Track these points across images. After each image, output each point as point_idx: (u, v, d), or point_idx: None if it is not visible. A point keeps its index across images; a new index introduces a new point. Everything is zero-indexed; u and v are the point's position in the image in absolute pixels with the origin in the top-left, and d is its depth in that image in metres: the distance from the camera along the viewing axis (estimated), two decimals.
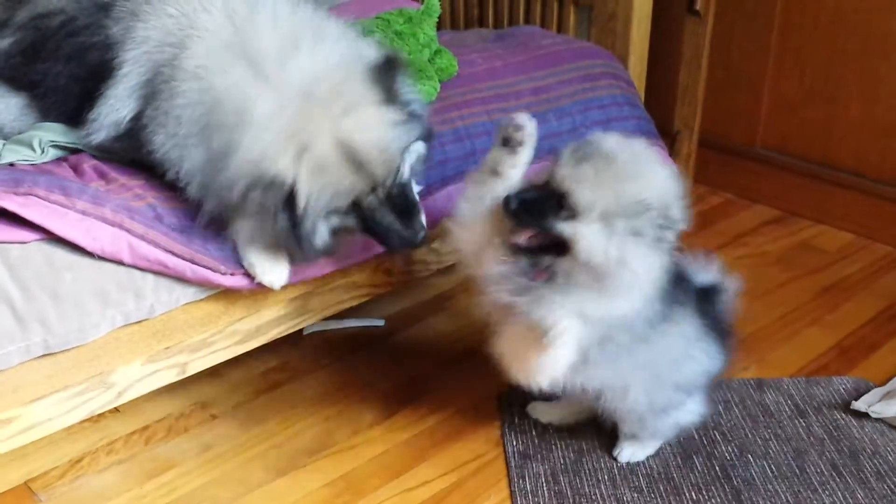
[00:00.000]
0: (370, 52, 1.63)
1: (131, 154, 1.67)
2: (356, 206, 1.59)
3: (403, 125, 1.59)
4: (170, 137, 1.57)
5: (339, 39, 1.62)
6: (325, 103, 1.52)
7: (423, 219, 1.66)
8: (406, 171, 1.63)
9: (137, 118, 1.64)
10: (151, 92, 1.62)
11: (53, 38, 1.76)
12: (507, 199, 1.47)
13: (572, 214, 1.45)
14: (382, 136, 1.56)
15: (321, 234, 1.58)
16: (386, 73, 1.57)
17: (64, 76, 1.74)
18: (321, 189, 1.52)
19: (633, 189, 1.46)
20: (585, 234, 1.44)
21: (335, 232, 1.62)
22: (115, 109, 1.65)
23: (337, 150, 1.52)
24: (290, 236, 1.55)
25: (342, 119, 1.53)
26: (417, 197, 1.68)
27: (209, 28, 1.60)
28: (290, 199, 1.51)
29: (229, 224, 1.63)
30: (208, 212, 1.58)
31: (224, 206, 1.55)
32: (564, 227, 1.45)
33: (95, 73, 1.70)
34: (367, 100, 1.55)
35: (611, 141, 1.50)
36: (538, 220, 1.46)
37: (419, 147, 1.67)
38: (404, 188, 1.63)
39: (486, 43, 2.33)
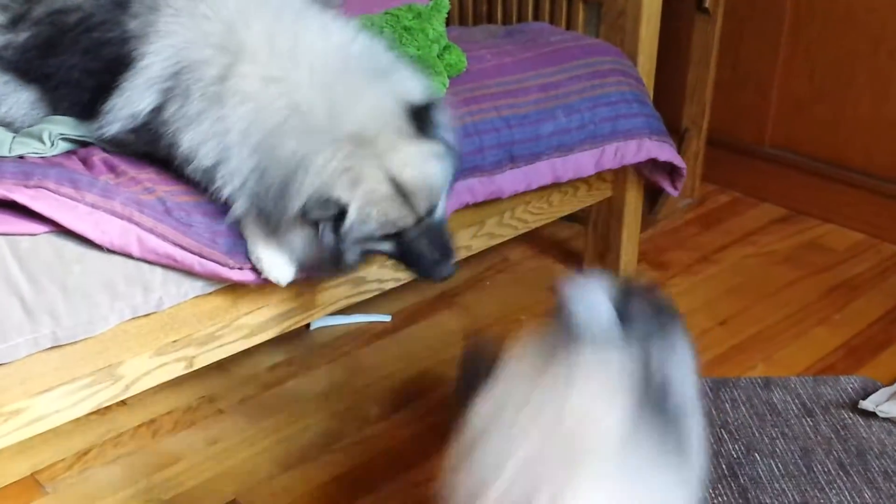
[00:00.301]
0: (415, 89, 1.69)
1: (145, 147, 1.67)
2: (397, 236, 1.66)
3: (444, 161, 1.67)
4: (207, 138, 1.58)
5: (387, 76, 1.68)
6: (373, 142, 1.58)
7: (454, 261, 1.74)
8: (443, 206, 1.72)
9: (157, 112, 1.63)
10: (176, 87, 1.61)
11: (70, 34, 1.76)
12: None
13: None
14: (427, 171, 1.64)
15: (354, 255, 1.66)
16: (428, 112, 1.63)
17: (78, 69, 1.74)
18: (369, 217, 1.60)
19: None
20: None
21: (366, 254, 1.70)
22: (131, 101, 1.64)
23: (386, 184, 1.59)
24: (327, 252, 1.63)
25: (390, 155, 1.59)
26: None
27: (255, 51, 1.61)
28: (339, 219, 1.59)
29: (242, 220, 1.64)
30: (242, 210, 1.62)
31: (270, 212, 1.60)
32: None
33: (111, 67, 1.69)
34: (412, 137, 1.62)
35: None
36: None
37: (452, 179, 1.75)
38: (443, 223, 1.73)
39: (495, 39, 2.33)
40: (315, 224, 1.60)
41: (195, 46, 1.63)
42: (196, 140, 1.59)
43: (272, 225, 1.62)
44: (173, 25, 1.65)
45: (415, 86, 1.71)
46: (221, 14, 1.65)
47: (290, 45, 1.63)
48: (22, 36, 1.80)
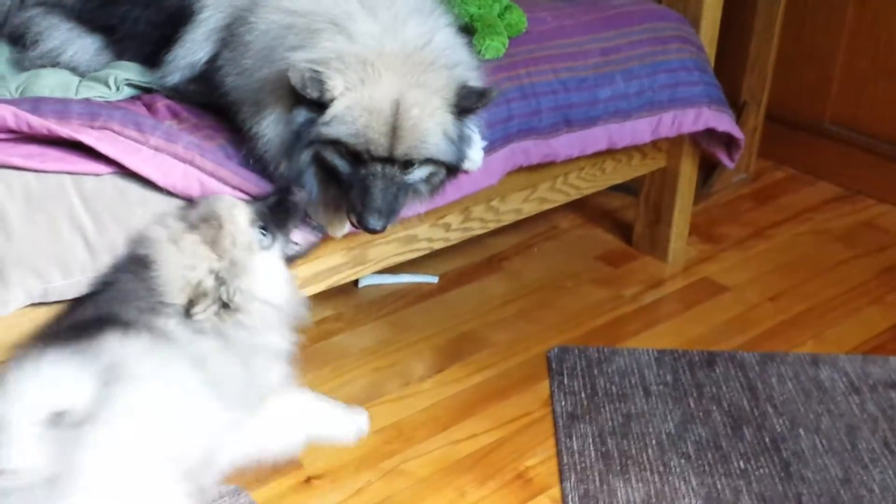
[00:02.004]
0: (476, 79, 1.67)
1: (204, 97, 1.69)
2: (357, 159, 1.57)
3: (451, 145, 1.62)
4: (239, 74, 1.60)
5: (456, 43, 1.67)
6: (412, 70, 1.55)
7: (388, 225, 1.62)
8: (416, 178, 1.64)
9: (212, 61, 1.66)
10: (229, 36, 1.65)
11: None
12: None
13: None
14: (430, 130, 1.58)
15: (307, 155, 1.58)
16: (475, 97, 1.60)
17: (143, 21, 1.78)
18: (350, 121, 1.53)
19: None
20: None
21: (315, 164, 1.60)
22: (191, 52, 1.68)
23: (389, 105, 1.54)
24: (287, 137, 1.56)
25: (415, 90, 1.55)
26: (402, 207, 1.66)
27: None
28: (319, 108, 1.53)
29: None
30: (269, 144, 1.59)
31: (255, 95, 1.56)
32: None
33: (172, 18, 1.73)
34: (446, 102, 1.59)
35: None
36: None
37: (441, 174, 1.68)
38: (406, 189, 1.63)
39: (556, 1, 2.31)
40: (293, 101, 1.53)
41: None
42: (235, 80, 1.62)
43: (255, 94, 1.56)
44: None
45: (475, 76, 1.69)
46: None
47: None
48: None
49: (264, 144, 1.58)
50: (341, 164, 1.59)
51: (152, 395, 1.33)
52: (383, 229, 1.61)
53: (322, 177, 1.61)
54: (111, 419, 1.24)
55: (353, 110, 1.53)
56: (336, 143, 1.56)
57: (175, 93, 1.72)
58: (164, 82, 1.72)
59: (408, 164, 1.60)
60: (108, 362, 1.28)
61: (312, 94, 1.49)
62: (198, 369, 1.43)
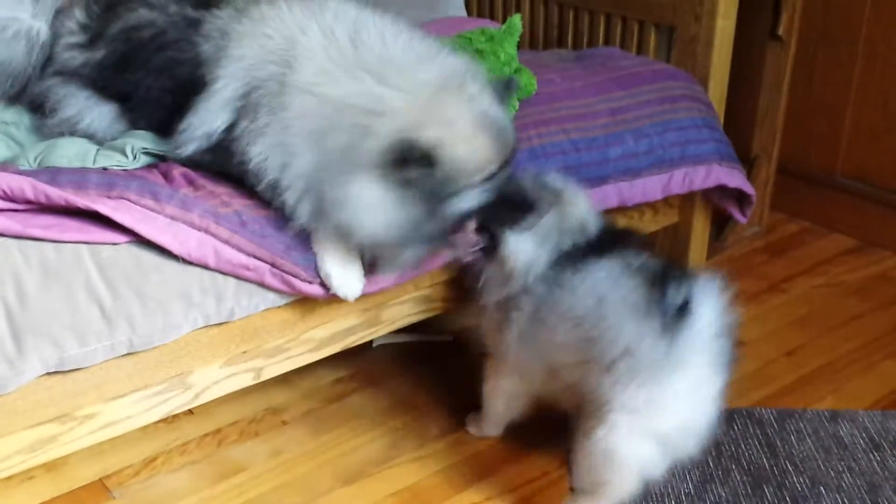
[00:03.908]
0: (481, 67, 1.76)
1: (219, 166, 1.72)
2: (485, 183, 1.63)
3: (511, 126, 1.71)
4: (273, 147, 1.62)
5: (451, 54, 1.73)
6: (458, 91, 1.62)
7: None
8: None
9: (230, 130, 1.69)
10: (248, 105, 1.67)
11: (144, 50, 1.83)
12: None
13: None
14: (506, 117, 1.68)
15: (458, 209, 1.62)
16: (504, 86, 1.70)
17: (155, 89, 1.81)
18: (459, 158, 1.58)
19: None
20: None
21: (453, 217, 1.63)
22: (206, 121, 1.71)
23: (478, 122, 1.61)
24: (414, 213, 1.58)
25: (477, 99, 1.63)
26: None
27: (313, 49, 1.66)
28: (427, 164, 1.55)
29: (314, 235, 1.67)
30: (307, 216, 1.64)
31: (338, 176, 1.58)
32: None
33: (184, 87, 1.76)
34: (492, 97, 1.68)
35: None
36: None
37: None
38: (514, 175, 1.73)
39: (565, 63, 2.34)
40: (399, 181, 1.55)
41: (261, 65, 1.69)
42: (264, 152, 1.64)
43: (338, 193, 1.57)
44: (243, 49, 1.72)
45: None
46: (282, 32, 1.71)
47: (346, 37, 1.67)
48: (99, 54, 1.88)
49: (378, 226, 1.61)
50: (472, 201, 1.64)
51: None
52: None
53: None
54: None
55: (456, 148, 1.58)
56: (458, 186, 1.62)
57: (190, 163, 1.75)
58: (178, 154, 1.74)
59: (512, 156, 1.70)
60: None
61: (416, 156, 1.53)
62: None
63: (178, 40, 1.80)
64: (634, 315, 1.58)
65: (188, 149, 1.72)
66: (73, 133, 1.86)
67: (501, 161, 1.64)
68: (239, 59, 1.70)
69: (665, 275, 1.59)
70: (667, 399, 1.60)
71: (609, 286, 1.63)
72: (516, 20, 2.20)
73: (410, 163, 1.52)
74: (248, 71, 1.69)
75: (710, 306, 1.56)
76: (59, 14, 1.99)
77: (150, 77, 1.82)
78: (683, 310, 1.54)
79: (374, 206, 1.57)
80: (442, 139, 1.54)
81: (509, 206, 1.66)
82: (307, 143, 1.60)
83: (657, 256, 1.72)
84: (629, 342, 1.58)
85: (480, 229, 1.70)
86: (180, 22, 1.83)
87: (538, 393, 1.87)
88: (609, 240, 1.75)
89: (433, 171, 1.54)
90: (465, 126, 1.59)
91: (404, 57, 1.65)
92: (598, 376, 1.63)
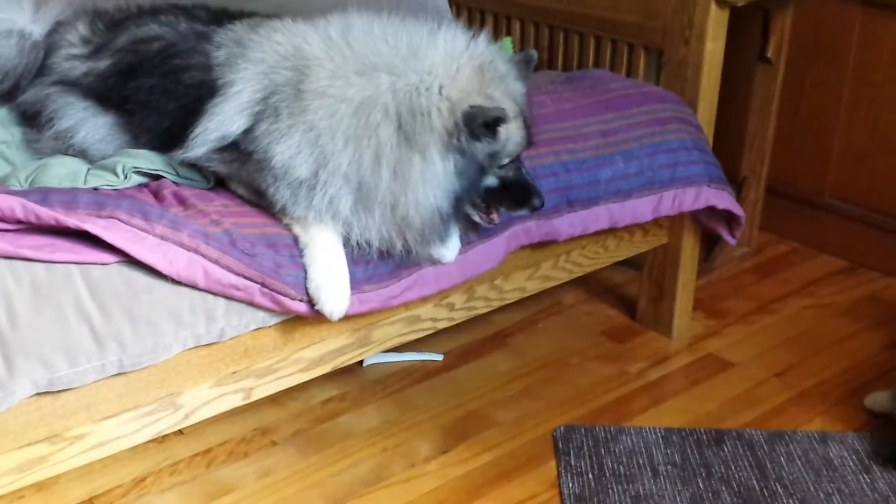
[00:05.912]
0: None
1: (226, 167, 1.75)
2: (511, 163, 1.76)
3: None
4: (301, 148, 1.66)
5: (454, 34, 1.76)
6: (490, 66, 1.71)
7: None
8: None
9: (248, 132, 1.71)
10: (266, 109, 1.70)
11: (150, 61, 1.84)
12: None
13: None
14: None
15: (486, 186, 1.75)
16: (525, 62, 1.81)
17: (157, 91, 1.82)
18: (515, 132, 1.72)
19: None
20: None
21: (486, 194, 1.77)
22: (224, 124, 1.72)
23: (513, 104, 1.72)
24: (468, 181, 1.69)
25: (510, 79, 1.74)
26: None
27: (318, 56, 1.70)
28: (492, 127, 1.66)
29: (306, 248, 1.71)
30: (347, 207, 1.69)
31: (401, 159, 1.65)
32: None
33: (192, 91, 1.78)
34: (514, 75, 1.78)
35: None
36: None
37: None
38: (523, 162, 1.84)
39: (555, 85, 2.36)
40: (460, 148, 1.65)
41: (277, 70, 1.72)
42: (289, 152, 1.67)
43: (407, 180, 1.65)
44: (259, 54, 1.75)
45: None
46: (291, 39, 1.76)
47: (343, 40, 1.73)
48: (103, 63, 1.89)
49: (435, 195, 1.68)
50: (494, 179, 1.76)
51: None
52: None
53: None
54: None
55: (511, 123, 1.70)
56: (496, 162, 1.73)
57: (197, 164, 1.76)
58: (186, 157, 1.75)
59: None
60: None
61: (491, 117, 1.63)
62: None
63: (187, 49, 1.82)
64: None
65: (199, 151, 1.74)
66: (69, 146, 1.86)
67: (527, 145, 1.77)
68: (257, 62, 1.73)
69: None
70: None
71: None
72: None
73: (476, 130, 1.64)
74: (266, 74, 1.72)
75: None
76: (59, 25, 2.00)
77: (153, 79, 1.83)
78: None
79: (438, 176, 1.67)
80: (507, 112, 1.65)
81: (514, 190, 1.77)
82: (341, 143, 1.65)
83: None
84: None
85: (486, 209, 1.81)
86: (189, 34, 1.85)
87: None
88: None
89: (492, 142, 1.68)
90: (511, 106, 1.70)
91: (410, 46, 1.71)
92: None
